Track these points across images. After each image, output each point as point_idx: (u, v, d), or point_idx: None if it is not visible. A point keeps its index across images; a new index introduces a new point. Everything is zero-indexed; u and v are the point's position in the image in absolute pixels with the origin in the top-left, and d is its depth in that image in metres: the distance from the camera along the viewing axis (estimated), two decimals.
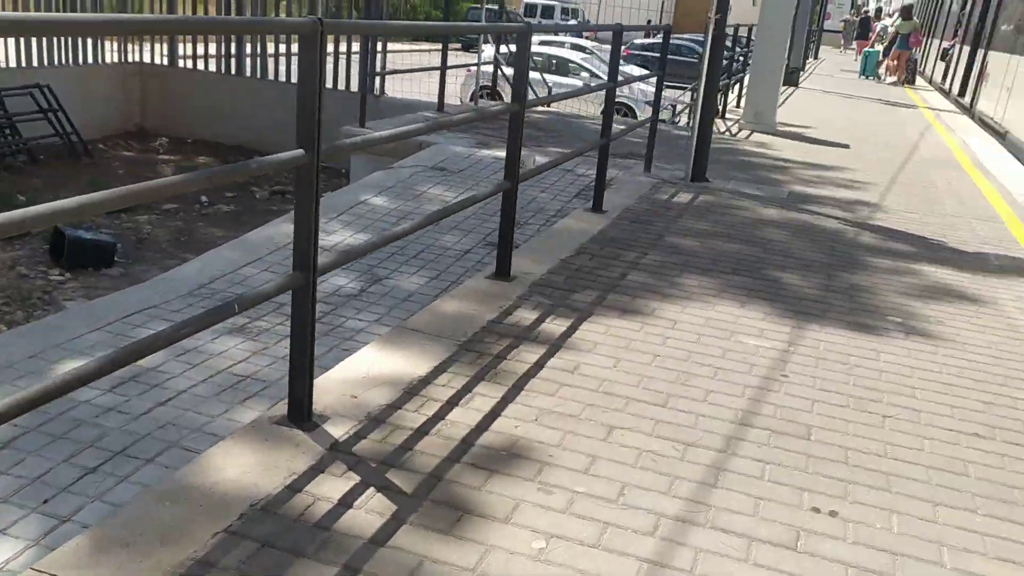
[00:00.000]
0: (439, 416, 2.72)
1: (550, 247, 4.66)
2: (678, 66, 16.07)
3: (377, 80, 10.88)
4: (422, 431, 2.62)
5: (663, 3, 46.63)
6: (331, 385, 2.86)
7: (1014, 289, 4.70)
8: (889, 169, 8.39)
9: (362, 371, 2.99)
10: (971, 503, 2.52)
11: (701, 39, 24.54)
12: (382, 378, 2.93)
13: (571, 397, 2.95)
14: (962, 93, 17.16)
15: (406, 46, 15.15)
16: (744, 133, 9.85)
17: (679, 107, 13.13)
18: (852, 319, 3.97)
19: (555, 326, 3.56)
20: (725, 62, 9.79)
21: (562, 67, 15.83)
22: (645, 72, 10.91)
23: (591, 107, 12.85)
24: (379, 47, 10.77)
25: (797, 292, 4.29)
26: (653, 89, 7.34)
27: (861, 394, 3.18)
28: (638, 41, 22.55)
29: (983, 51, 15.64)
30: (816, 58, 26.38)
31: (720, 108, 10.62)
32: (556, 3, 37.78)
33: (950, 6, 22.85)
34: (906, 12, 23.03)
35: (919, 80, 22.31)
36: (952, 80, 19.10)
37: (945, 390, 3.29)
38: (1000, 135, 11.90)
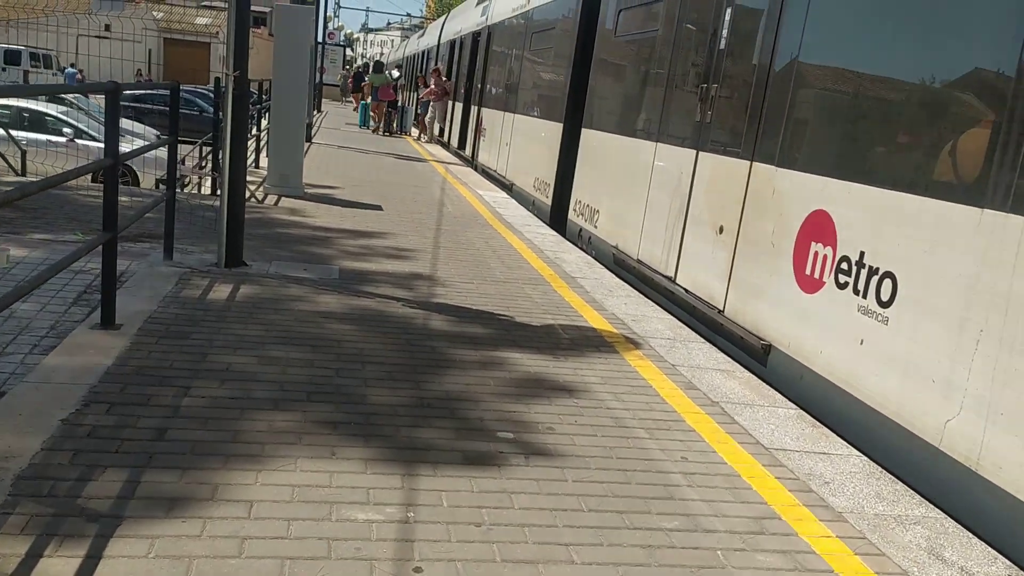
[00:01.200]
0: None
1: (42, 402, 3.21)
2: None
3: None
4: None
5: (150, 53, 43.36)
6: None
7: (596, 368, 4.46)
8: (427, 231, 8.13)
9: None
10: None
11: (199, 90, 22.73)
12: None
13: None
14: (462, 146, 18.31)
15: None
16: (272, 199, 8.90)
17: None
18: (464, 447, 3.27)
19: (62, 562, 2.24)
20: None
21: (37, 123, 13.30)
22: (156, 138, 9.43)
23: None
24: None
25: (392, 418, 3.47)
26: (150, 142, 6.10)
27: (515, 574, 2.44)
28: (125, 92, 20.35)
29: (476, 108, 16.79)
30: (320, 111, 26.52)
31: None
32: (23, 48, 32.94)
33: (434, 64, 24.60)
34: (377, 67, 24.35)
35: (415, 131, 23.50)
36: (450, 134, 20.39)
37: (599, 538, 2.71)
38: (507, 187, 12.66)
